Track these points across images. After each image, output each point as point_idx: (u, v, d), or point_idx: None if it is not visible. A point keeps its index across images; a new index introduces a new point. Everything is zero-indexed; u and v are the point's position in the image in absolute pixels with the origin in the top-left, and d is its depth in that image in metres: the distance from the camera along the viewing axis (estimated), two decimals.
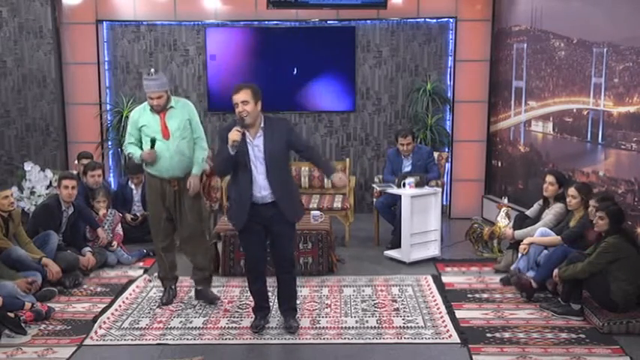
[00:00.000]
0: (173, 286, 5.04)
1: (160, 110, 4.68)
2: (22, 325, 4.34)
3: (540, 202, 5.61)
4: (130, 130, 4.82)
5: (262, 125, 4.18)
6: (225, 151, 4.08)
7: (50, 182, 6.71)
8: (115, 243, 5.98)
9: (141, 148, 4.76)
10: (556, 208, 5.37)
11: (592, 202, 4.75)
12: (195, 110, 4.87)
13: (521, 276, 5.02)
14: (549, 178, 5.45)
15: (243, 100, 4.07)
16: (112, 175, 7.89)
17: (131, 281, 5.48)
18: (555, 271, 4.64)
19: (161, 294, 5.03)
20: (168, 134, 4.69)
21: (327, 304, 4.91)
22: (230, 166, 4.17)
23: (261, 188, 4.16)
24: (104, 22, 7.63)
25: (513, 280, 5.10)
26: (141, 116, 4.75)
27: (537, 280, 4.91)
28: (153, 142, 4.66)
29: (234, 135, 4.03)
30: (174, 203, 4.79)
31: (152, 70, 4.94)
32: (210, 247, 5.16)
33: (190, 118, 4.79)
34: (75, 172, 6.41)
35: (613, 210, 4.50)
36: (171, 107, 4.74)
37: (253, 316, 4.53)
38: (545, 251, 5.08)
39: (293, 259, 4.46)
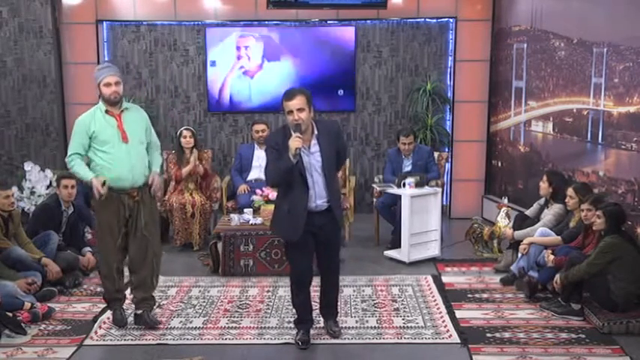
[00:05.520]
0: (123, 307, 4.58)
1: (116, 103, 4.27)
2: (22, 325, 4.34)
3: (541, 201, 5.62)
4: (79, 140, 4.26)
5: (316, 132, 3.98)
6: (284, 160, 3.86)
7: (50, 182, 6.71)
8: None
9: (88, 164, 4.29)
10: (555, 208, 5.38)
11: (584, 206, 4.73)
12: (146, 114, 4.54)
13: (530, 278, 5.01)
14: (543, 177, 5.48)
15: (299, 107, 3.85)
16: None
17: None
18: (557, 277, 4.62)
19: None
20: (127, 138, 4.26)
21: None
22: (290, 176, 3.91)
23: (318, 197, 4.01)
24: (104, 22, 7.62)
25: (522, 277, 5.08)
26: (92, 122, 4.27)
27: (542, 282, 4.91)
28: (104, 183, 4.17)
29: (296, 142, 3.81)
30: (132, 215, 4.31)
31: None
32: (158, 266, 4.53)
33: (147, 124, 4.44)
34: None
35: (611, 209, 4.50)
36: (126, 109, 4.35)
37: (296, 329, 4.28)
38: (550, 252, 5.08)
39: (339, 262, 4.36)
